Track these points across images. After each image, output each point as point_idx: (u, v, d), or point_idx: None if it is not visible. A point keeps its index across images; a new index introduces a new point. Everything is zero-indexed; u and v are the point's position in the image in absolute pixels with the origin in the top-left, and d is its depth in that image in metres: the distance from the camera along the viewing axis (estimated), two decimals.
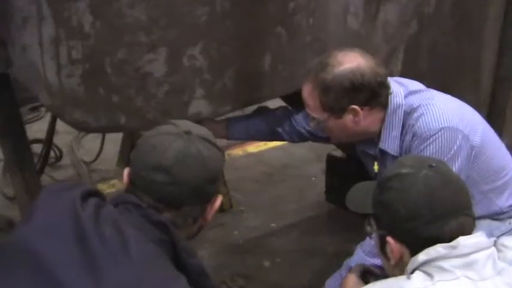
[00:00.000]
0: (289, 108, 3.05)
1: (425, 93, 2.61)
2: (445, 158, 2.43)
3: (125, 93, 2.52)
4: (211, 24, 2.55)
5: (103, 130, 2.97)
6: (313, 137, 2.97)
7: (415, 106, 2.54)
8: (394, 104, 2.55)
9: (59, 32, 2.44)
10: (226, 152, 4.91)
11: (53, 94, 2.56)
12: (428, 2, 3.20)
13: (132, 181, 1.87)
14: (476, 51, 3.59)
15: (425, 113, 2.51)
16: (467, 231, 1.89)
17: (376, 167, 2.66)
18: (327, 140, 2.87)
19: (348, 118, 2.52)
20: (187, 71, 2.56)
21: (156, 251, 1.75)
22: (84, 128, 2.69)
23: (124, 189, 1.90)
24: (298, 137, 3.02)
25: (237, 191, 4.34)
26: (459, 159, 2.48)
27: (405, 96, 2.57)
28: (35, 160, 4.00)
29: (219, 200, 1.93)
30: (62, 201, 1.82)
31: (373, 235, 2.03)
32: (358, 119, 2.51)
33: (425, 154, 2.45)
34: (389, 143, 2.57)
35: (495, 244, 1.92)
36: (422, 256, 1.86)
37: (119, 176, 4.51)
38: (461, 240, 1.84)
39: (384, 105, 2.54)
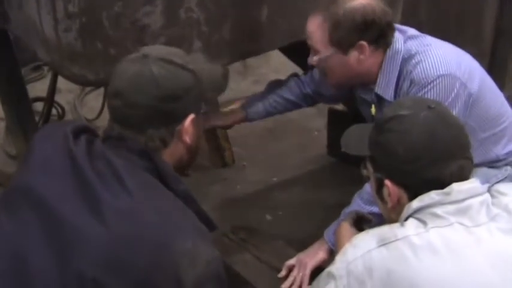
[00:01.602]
0: (297, 75, 3.07)
1: (423, 39, 2.61)
2: (446, 101, 2.44)
3: (122, 46, 2.51)
4: None
5: (102, 83, 2.96)
6: (320, 97, 3.02)
7: (412, 52, 2.54)
8: (393, 49, 2.56)
9: None
10: (229, 108, 4.92)
11: (51, 49, 2.56)
12: None
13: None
14: (477, 3, 3.56)
15: (423, 59, 2.51)
16: (467, 174, 1.88)
17: (373, 110, 2.66)
18: (333, 99, 2.87)
19: (353, 55, 2.52)
20: (184, 23, 2.56)
21: (148, 178, 1.80)
22: (83, 82, 2.71)
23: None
24: (311, 100, 3.06)
25: (239, 146, 4.35)
26: (457, 107, 2.48)
27: (404, 42, 2.57)
28: (37, 118, 4.03)
29: (190, 119, 1.91)
30: (55, 138, 1.87)
31: (370, 178, 2.02)
32: (364, 56, 2.51)
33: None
34: (385, 88, 2.58)
35: (489, 190, 1.92)
36: (416, 203, 1.86)
37: None
38: (455, 186, 1.84)
39: (386, 48, 2.55)
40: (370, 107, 2.69)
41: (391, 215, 1.97)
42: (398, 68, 2.55)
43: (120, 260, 1.65)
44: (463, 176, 1.87)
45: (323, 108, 4.36)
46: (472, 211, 1.84)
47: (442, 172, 1.85)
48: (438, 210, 1.83)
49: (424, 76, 2.48)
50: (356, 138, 2.10)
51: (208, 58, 2.67)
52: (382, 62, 2.56)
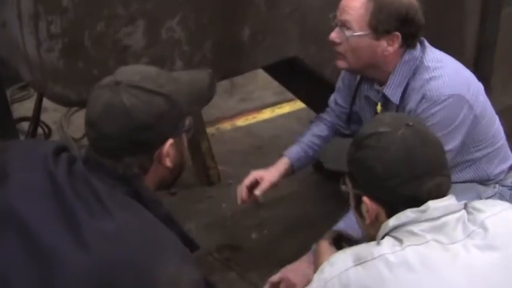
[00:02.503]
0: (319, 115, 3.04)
1: (435, 53, 2.64)
2: (452, 125, 2.49)
3: (105, 66, 2.53)
4: None
5: (84, 104, 2.96)
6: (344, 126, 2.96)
7: (426, 65, 2.56)
8: (410, 55, 2.58)
9: (37, 6, 2.45)
10: (215, 126, 4.94)
11: (34, 69, 2.57)
12: None
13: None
14: (459, 16, 3.59)
15: (437, 76, 2.53)
16: (444, 191, 1.89)
17: (379, 108, 2.68)
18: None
19: (382, 44, 2.52)
20: (166, 43, 2.58)
21: (128, 201, 1.77)
22: (65, 102, 2.71)
23: None
24: (345, 119, 2.96)
25: (226, 164, 4.35)
26: (463, 128, 2.53)
27: (421, 51, 2.60)
28: (23, 138, 4.03)
29: (168, 143, 1.85)
30: (35, 158, 1.84)
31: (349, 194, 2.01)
32: (391, 48, 2.53)
33: (434, 119, 2.48)
34: (394, 90, 2.59)
35: (465, 207, 1.93)
36: (392, 221, 1.86)
37: None
38: (431, 203, 1.85)
39: (408, 49, 2.57)
40: (374, 106, 2.70)
41: (369, 231, 1.97)
42: (410, 75, 2.57)
43: (102, 285, 1.64)
44: (440, 193, 1.88)
45: (309, 125, 4.36)
46: (448, 228, 1.84)
47: (420, 189, 1.86)
48: (414, 228, 1.84)
49: (437, 94, 2.50)
50: (336, 153, 2.11)
51: None
52: (397, 64, 2.58)
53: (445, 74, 2.54)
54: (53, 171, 1.79)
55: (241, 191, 2.79)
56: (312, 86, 3.36)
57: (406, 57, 2.57)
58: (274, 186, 2.86)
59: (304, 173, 4.25)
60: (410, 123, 1.92)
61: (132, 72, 1.86)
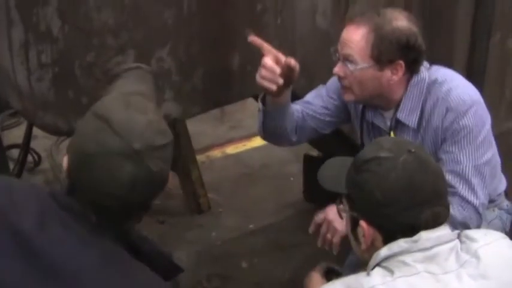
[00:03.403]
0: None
1: (442, 69, 2.65)
2: (483, 132, 2.50)
3: (95, 95, 2.53)
4: (179, 26, 2.57)
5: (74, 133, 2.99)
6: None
7: (440, 80, 2.56)
8: (418, 77, 2.57)
9: (28, 36, 2.45)
10: (205, 154, 4.94)
11: (24, 98, 2.57)
12: (397, 1, 3.22)
13: (73, 182, 1.76)
14: (448, 46, 3.61)
15: (454, 86, 2.53)
16: (442, 221, 1.88)
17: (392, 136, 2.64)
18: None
19: (386, 74, 2.51)
20: (156, 73, 2.58)
21: (111, 245, 1.74)
22: (55, 131, 2.71)
23: (65, 179, 1.79)
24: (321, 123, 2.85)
25: (216, 192, 4.36)
26: (491, 135, 2.56)
27: (427, 70, 2.60)
28: (13, 165, 4.03)
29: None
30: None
31: (344, 215, 2.01)
32: (396, 77, 2.52)
33: (465, 129, 2.48)
34: (409, 114, 2.57)
35: (459, 236, 1.93)
36: (384, 251, 1.85)
37: None
38: (423, 234, 1.84)
39: (413, 75, 2.56)
40: (381, 134, 2.67)
41: (364, 255, 1.96)
42: (423, 96, 2.56)
43: None
44: (437, 223, 1.87)
45: (299, 153, 4.39)
46: (440, 258, 1.84)
47: (418, 218, 1.85)
48: (406, 258, 1.83)
49: (461, 102, 2.49)
50: (334, 173, 2.07)
51: (181, 107, 2.69)
52: (405, 88, 2.57)
53: (460, 83, 2.57)
54: (15, 226, 1.70)
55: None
56: None
57: (414, 80, 2.57)
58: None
59: (294, 201, 4.29)
60: (412, 150, 1.91)
61: (141, 129, 1.71)
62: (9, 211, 1.71)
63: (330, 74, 2.63)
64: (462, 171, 2.49)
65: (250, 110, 5.31)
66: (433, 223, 1.86)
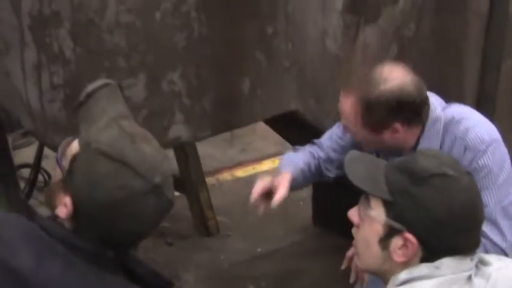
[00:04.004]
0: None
1: (458, 106, 2.59)
2: (504, 171, 2.44)
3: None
4: (190, 50, 2.59)
5: None
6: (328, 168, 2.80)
7: (456, 118, 2.49)
8: (433, 116, 2.49)
9: (40, 57, 2.48)
10: (215, 177, 4.95)
11: (35, 119, 2.59)
12: (407, 25, 3.24)
13: (79, 215, 1.67)
14: (458, 73, 3.62)
15: (472, 125, 2.47)
16: (477, 245, 1.85)
17: None
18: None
19: (387, 134, 2.43)
20: (166, 95, 2.60)
21: (112, 277, 1.69)
22: None
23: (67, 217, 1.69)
24: (332, 166, 2.80)
25: (224, 215, 4.36)
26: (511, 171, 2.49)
27: (442, 109, 2.53)
28: (24, 184, 4.05)
29: None
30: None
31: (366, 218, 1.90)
32: (398, 135, 2.44)
33: (485, 168, 2.41)
34: None
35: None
36: (404, 275, 1.79)
37: None
38: (445, 261, 1.80)
39: (423, 122, 2.48)
40: None
41: (384, 266, 1.87)
42: (440, 136, 2.50)
43: None
44: (475, 247, 1.84)
45: None
46: (455, 286, 1.82)
47: (469, 241, 1.82)
48: (425, 284, 1.80)
49: (479, 141, 2.43)
50: (366, 172, 1.94)
51: (191, 130, 2.70)
52: (421, 132, 2.49)
53: (478, 121, 2.50)
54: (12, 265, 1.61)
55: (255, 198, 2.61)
56: (311, 138, 3.37)
57: (430, 121, 2.48)
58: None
59: (304, 225, 4.28)
60: (468, 172, 1.88)
61: (156, 158, 1.68)
62: None
63: (339, 96, 2.62)
64: (488, 214, 2.39)
65: (260, 133, 5.33)
66: (473, 248, 1.83)
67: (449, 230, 1.79)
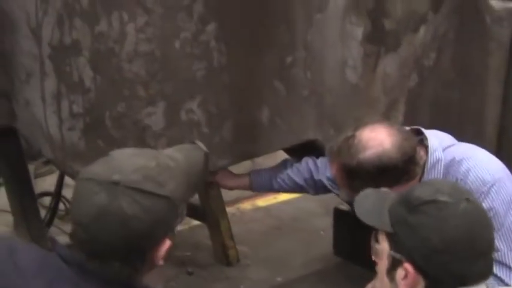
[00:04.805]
0: (312, 158, 2.95)
1: (461, 146, 2.56)
2: (509, 208, 2.39)
3: (124, 146, 2.54)
4: (209, 79, 2.60)
5: None
6: (334, 187, 2.87)
7: (457, 159, 2.46)
8: (433, 158, 2.47)
9: (60, 86, 2.50)
10: (235, 206, 4.93)
11: (55, 147, 2.61)
12: (428, 55, 3.22)
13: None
14: (479, 102, 3.59)
15: (473, 166, 2.43)
16: (489, 274, 1.84)
17: None
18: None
19: None
20: (185, 124, 2.61)
21: None
22: None
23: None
24: (321, 189, 2.95)
25: (245, 244, 4.33)
26: None
27: (443, 150, 2.50)
28: (45, 212, 4.07)
29: (165, 246, 1.73)
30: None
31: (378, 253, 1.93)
32: None
33: (490, 211, 2.32)
34: None
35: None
36: None
37: None
38: None
39: (415, 176, 2.45)
40: None
41: None
42: (441, 177, 2.46)
43: None
44: (487, 275, 1.82)
45: (329, 207, 4.36)
46: None
47: (471, 269, 1.79)
48: None
49: (481, 183, 2.40)
50: (372, 208, 1.97)
51: (210, 159, 2.69)
52: (421, 176, 2.46)
53: (479, 161, 2.46)
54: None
55: None
56: None
57: (430, 163, 2.46)
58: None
59: (324, 255, 4.25)
60: (470, 198, 1.85)
61: (132, 168, 1.69)
62: (13, 276, 1.66)
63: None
64: (502, 258, 2.38)
65: (280, 159, 5.32)
66: (484, 275, 1.82)
67: (446, 257, 1.78)
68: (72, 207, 1.74)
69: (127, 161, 1.72)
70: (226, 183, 3.05)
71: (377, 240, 1.91)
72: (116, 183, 1.64)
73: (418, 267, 1.81)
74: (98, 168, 1.71)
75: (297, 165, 2.97)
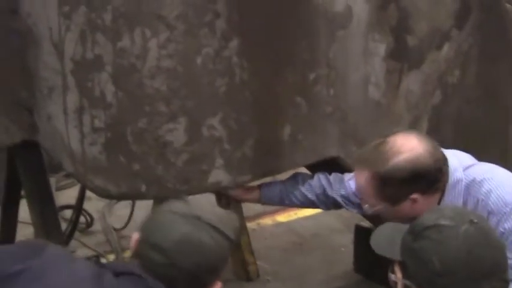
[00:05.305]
0: (325, 174, 2.91)
1: (481, 166, 2.53)
2: None
3: (145, 161, 2.56)
4: (230, 95, 2.59)
5: (123, 197, 3.02)
6: (348, 203, 2.86)
7: (478, 180, 2.43)
8: (453, 179, 2.44)
9: (82, 101, 2.52)
10: (256, 221, 4.91)
11: (76, 161, 2.62)
12: (452, 72, 3.20)
13: (138, 251, 1.90)
14: (503, 121, 3.56)
15: (494, 187, 2.39)
16: None
17: None
18: (358, 207, 2.82)
19: (406, 205, 2.39)
20: (206, 140, 2.60)
21: None
22: (105, 195, 2.74)
23: (131, 256, 1.93)
24: (333, 205, 2.92)
25: (265, 260, 4.30)
26: None
27: (463, 170, 2.47)
28: (65, 225, 4.07)
29: (216, 285, 1.91)
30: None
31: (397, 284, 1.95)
32: (417, 205, 2.38)
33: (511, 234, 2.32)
34: None
35: None
36: None
37: None
38: None
39: (443, 187, 2.42)
40: None
41: None
42: (462, 198, 2.43)
43: None
44: None
45: (350, 223, 4.33)
46: None
47: None
48: None
49: (503, 204, 2.36)
50: (387, 239, 2.01)
51: (231, 175, 2.69)
52: (441, 196, 2.43)
53: (501, 181, 2.42)
54: None
55: None
56: None
57: (451, 183, 2.43)
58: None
59: (344, 272, 4.22)
60: (475, 220, 1.85)
61: (209, 210, 1.96)
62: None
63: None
64: None
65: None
66: None
67: (447, 280, 1.80)
68: (150, 233, 1.88)
69: (204, 206, 2.00)
70: (235, 194, 3.01)
71: (393, 272, 1.94)
72: (198, 218, 1.87)
73: None
74: (179, 206, 1.93)
75: (309, 180, 2.93)
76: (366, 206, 2.48)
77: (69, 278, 1.80)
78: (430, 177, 2.37)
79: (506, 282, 1.86)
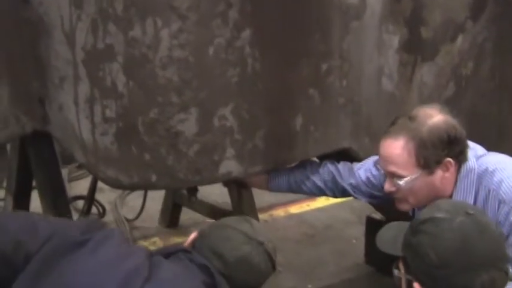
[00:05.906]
0: (334, 162, 2.93)
1: (494, 156, 2.55)
2: None
3: (157, 151, 2.55)
4: (242, 85, 2.57)
5: (135, 187, 3.01)
6: (357, 192, 2.87)
7: (490, 169, 2.45)
8: (466, 167, 2.47)
9: (93, 91, 2.51)
10: (268, 213, 4.92)
11: (87, 152, 2.61)
12: (465, 64, 3.18)
13: (194, 246, 2.19)
14: None
15: (506, 177, 2.42)
16: (499, 286, 1.83)
17: None
18: (368, 197, 2.82)
19: (438, 174, 2.43)
20: (218, 131, 2.58)
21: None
22: (117, 185, 2.73)
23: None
24: (341, 193, 2.92)
25: (277, 252, 4.30)
26: None
27: (477, 159, 2.50)
28: (77, 216, 4.08)
29: None
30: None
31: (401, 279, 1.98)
32: (448, 174, 2.43)
33: None
34: None
35: None
36: None
37: (160, 234, 4.54)
38: None
39: (461, 165, 2.47)
40: None
41: None
42: (474, 187, 2.45)
43: None
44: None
45: (363, 215, 4.33)
46: None
47: (473, 282, 1.81)
48: None
49: None
50: (391, 237, 2.05)
51: (242, 166, 2.67)
52: (454, 184, 2.47)
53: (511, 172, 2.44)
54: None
55: None
56: None
57: (463, 172, 2.46)
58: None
59: (356, 264, 4.21)
60: (471, 212, 1.88)
61: (267, 238, 2.21)
62: None
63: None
64: None
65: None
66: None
67: (444, 271, 1.83)
68: (216, 241, 2.17)
69: (264, 232, 2.26)
70: (243, 179, 3.01)
71: (397, 267, 1.99)
72: (261, 244, 2.17)
73: (424, 285, 1.88)
74: (246, 227, 2.21)
75: (317, 167, 2.93)
76: (402, 182, 2.45)
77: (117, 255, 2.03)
78: (461, 142, 2.44)
79: (506, 272, 1.87)
